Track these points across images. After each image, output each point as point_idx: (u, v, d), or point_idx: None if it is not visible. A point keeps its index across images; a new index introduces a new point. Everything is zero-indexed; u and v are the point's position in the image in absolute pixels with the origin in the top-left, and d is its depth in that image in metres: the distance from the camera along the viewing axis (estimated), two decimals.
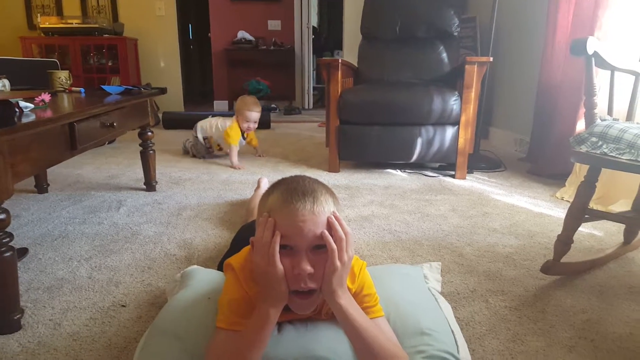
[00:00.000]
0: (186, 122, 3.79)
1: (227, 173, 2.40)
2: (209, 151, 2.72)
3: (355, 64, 2.83)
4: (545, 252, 1.38)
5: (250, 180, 2.24)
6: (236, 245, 1.13)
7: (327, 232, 0.67)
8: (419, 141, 2.28)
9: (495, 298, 1.11)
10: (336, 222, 0.68)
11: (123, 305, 1.07)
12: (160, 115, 4.00)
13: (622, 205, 1.69)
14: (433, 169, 2.47)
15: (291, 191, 0.69)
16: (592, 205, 1.67)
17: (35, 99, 1.28)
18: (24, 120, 1.00)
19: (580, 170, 1.96)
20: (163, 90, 2.02)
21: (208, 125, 2.68)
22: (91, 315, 1.03)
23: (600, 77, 1.75)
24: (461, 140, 2.26)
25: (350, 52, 4.16)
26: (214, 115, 2.83)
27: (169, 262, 1.31)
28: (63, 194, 1.99)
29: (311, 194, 0.68)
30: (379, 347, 0.69)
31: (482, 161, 2.52)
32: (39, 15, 4.48)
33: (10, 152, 0.94)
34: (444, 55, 2.70)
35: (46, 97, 1.30)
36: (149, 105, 1.93)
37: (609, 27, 1.88)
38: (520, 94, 2.94)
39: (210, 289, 0.91)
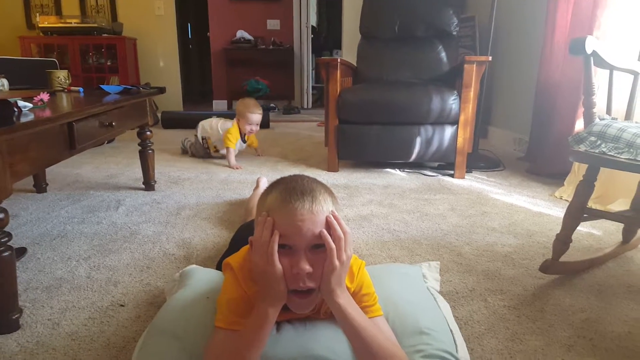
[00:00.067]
0: (185, 122, 3.79)
1: (226, 173, 2.40)
2: (206, 152, 2.72)
3: (354, 64, 2.83)
4: (544, 252, 1.38)
5: (249, 179, 2.24)
6: (235, 244, 1.13)
7: (325, 232, 0.67)
8: (418, 140, 2.28)
9: (494, 297, 1.11)
10: (335, 222, 0.68)
11: (122, 305, 1.07)
12: (159, 115, 4.00)
13: (621, 205, 1.69)
14: (432, 169, 2.48)
15: (290, 190, 0.69)
16: (591, 204, 1.67)
17: (34, 98, 1.28)
18: (23, 119, 1.00)
19: (579, 170, 1.96)
20: (162, 90, 2.02)
21: (209, 126, 2.67)
22: (90, 315, 1.03)
23: (599, 77, 1.76)
24: (460, 140, 2.26)
25: (349, 52, 4.16)
26: (218, 116, 2.82)
27: (168, 261, 1.31)
28: (62, 193, 1.99)
29: (310, 194, 0.68)
30: (377, 347, 0.69)
31: (481, 160, 2.52)
32: (37, 14, 4.47)
33: (8, 152, 0.94)
34: (443, 54, 2.70)
35: (45, 96, 1.30)
36: (148, 105, 1.93)
37: (607, 27, 1.88)
38: (519, 93, 2.95)
39: (209, 289, 0.91)
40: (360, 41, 2.91)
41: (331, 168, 2.41)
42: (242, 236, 1.14)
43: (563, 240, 1.18)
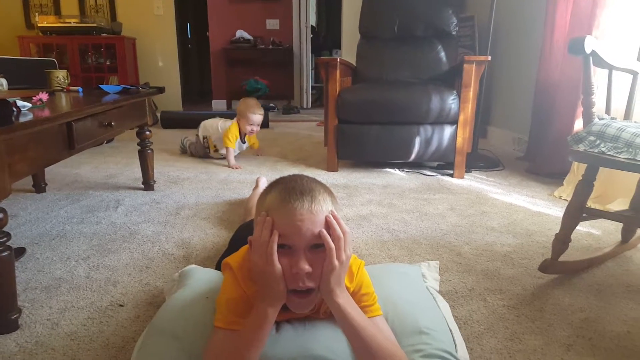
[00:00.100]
0: (184, 122, 3.79)
1: (225, 172, 2.39)
2: (206, 151, 2.71)
3: (354, 63, 2.83)
4: (543, 251, 1.38)
5: (248, 179, 2.24)
6: (234, 244, 1.13)
7: (325, 231, 0.67)
8: (418, 140, 2.28)
9: (493, 297, 1.11)
10: (334, 221, 0.68)
11: (121, 305, 1.07)
12: (158, 115, 3.99)
13: (620, 204, 1.70)
14: (431, 168, 2.48)
15: (289, 190, 0.69)
16: (590, 204, 1.67)
17: (33, 98, 1.27)
18: (22, 119, 1.00)
19: (578, 169, 1.96)
20: (161, 90, 2.02)
21: (210, 125, 2.67)
22: (89, 315, 1.03)
23: (598, 76, 1.76)
24: (459, 139, 2.26)
25: (348, 51, 4.16)
26: (221, 116, 2.80)
27: (167, 261, 1.31)
28: (61, 193, 1.99)
29: (309, 193, 0.68)
30: (377, 346, 0.69)
31: (480, 160, 2.52)
32: (36, 14, 4.47)
33: (7, 152, 0.94)
34: (442, 54, 2.70)
35: (44, 96, 1.30)
36: (147, 105, 1.93)
37: (606, 26, 1.88)
38: (519, 93, 2.95)
39: (209, 289, 0.91)
40: (360, 41, 2.91)
41: (330, 168, 2.41)
42: (241, 236, 1.14)
43: (562, 239, 1.18)
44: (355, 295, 0.76)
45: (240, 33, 5.21)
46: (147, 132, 1.95)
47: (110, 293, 1.13)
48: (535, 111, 2.52)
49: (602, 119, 1.17)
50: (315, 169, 2.47)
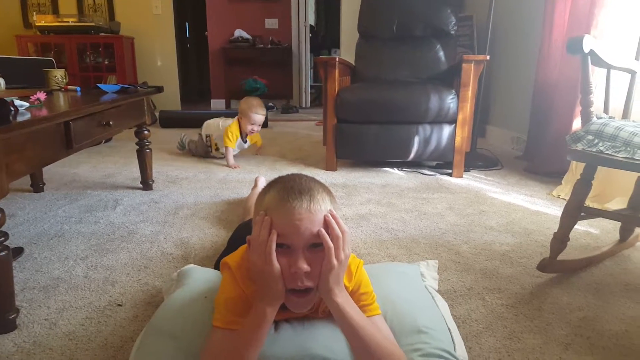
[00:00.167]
0: (183, 121, 3.79)
1: (224, 172, 2.39)
2: (207, 150, 2.70)
3: (353, 63, 2.83)
4: (541, 250, 1.38)
5: (247, 179, 2.23)
6: (233, 244, 1.13)
7: (323, 231, 0.67)
8: (416, 140, 2.28)
9: (491, 296, 1.11)
10: (333, 221, 0.68)
11: (119, 305, 1.07)
12: (157, 114, 3.99)
13: (618, 203, 1.70)
14: (430, 168, 2.48)
15: (288, 190, 0.68)
16: (588, 203, 1.67)
17: (31, 97, 1.27)
18: (19, 119, 0.99)
19: (576, 169, 1.96)
20: (159, 89, 2.01)
21: (212, 124, 2.65)
22: (87, 315, 1.02)
23: (597, 76, 1.76)
24: (458, 139, 2.26)
25: (347, 51, 4.16)
26: (226, 116, 2.77)
27: (166, 261, 1.31)
28: (59, 193, 1.99)
29: (308, 193, 0.68)
30: (375, 346, 0.69)
31: (479, 159, 2.52)
32: (34, 13, 4.46)
33: (5, 151, 0.93)
34: (441, 53, 2.70)
35: (42, 95, 1.29)
36: (146, 104, 1.93)
37: (605, 26, 1.88)
38: (517, 92, 2.95)
39: (207, 288, 0.91)
40: (359, 40, 2.91)
41: (329, 167, 2.41)
42: (240, 235, 1.14)
43: (560, 238, 1.18)
44: (354, 294, 0.76)
45: (239, 32, 5.20)
46: (146, 132, 1.95)
47: (108, 293, 1.13)
48: (534, 110, 2.52)
49: (601, 118, 1.17)
50: (314, 169, 2.47)
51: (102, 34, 4.36)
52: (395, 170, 2.42)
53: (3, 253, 0.93)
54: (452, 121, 2.26)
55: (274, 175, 0.76)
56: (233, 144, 2.53)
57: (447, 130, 2.27)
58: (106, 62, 4.43)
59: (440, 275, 1.20)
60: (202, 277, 0.99)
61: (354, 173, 2.37)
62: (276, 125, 4.17)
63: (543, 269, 1.19)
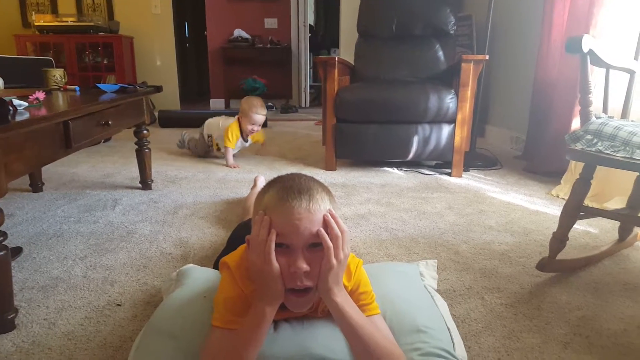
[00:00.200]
0: (182, 121, 3.78)
1: (223, 172, 2.39)
2: (208, 150, 2.68)
3: (352, 62, 2.83)
4: (540, 250, 1.38)
5: (246, 178, 2.23)
6: (232, 243, 1.13)
7: (323, 230, 0.67)
8: (416, 139, 2.28)
9: (491, 295, 1.11)
10: (332, 220, 0.68)
11: (118, 304, 1.07)
12: (156, 114, 3.98)
13: (617, 203, 1.70)
14: (429, 167, 2.48)
15: (287, 189, 0.68)
16: (587, 202, 1.68)
17: (30, 97, 1.27)
18: (18, 118, 0.99)
19: (575, 168, 1.96)
20: (159, 89, 2.01)
21: (213, 123, 2.63)
22: (86, 315, 1.02)
23: (596, 75, 1.76)
24: (457, 138, 2.27)
25: (346, 50, 4.16)
26: (227, 115, 2.75)
27: (165, 260, 1.31)
28: (58, 192, 1.98)
29: (307, 192, 0.68)
30: (375, 345, 0.69)
31: (478, 159, 2.53)
32: (33, 13, 4.45)
33: (3, 151, 0.93)
34: (440, 53, 2.70)
35: (40, 95, 1.29)
36: (145, 104, 1.92)
37: (604, 25, 1.88)
38: (516, 91, 2.95)
39: (206, 288, 0.91)
40: (358, 40, 2.90)
41: (329, 167, 2.41)
42: (239, 235, 1.14)
43: (560, 238, 1.18)
44: (353, 293, 0.76)
45: (238, 32, 5.20)
46: (145, 132, 1.95)
47: (107, 292, 1.12)
48: (533, 110, 2.53)
49: (600, 117, 1.17)
50: (313, 168, 2.46)
51: (101, 33, 4.36)
52: (395, 170, 2.42)
53: (2, 253, 0.93)
54: (452, 121, 2.26)
55: (273, 174, 0.76)
56: (233, 144, 2.52)
57: (446, 129, 2.27)
58: (105, 62, 4.43)
59: (439, 274, 1.20)
60: (201, 276, 0.98)
61: (353, 173, 2.37)
62: (275, 125, 4.17)
63: (542, 269, 1.19)
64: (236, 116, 2.58)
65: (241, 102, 2.56)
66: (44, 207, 1.77)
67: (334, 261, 0.67)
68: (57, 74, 1.85)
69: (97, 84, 1.94)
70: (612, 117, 1.20)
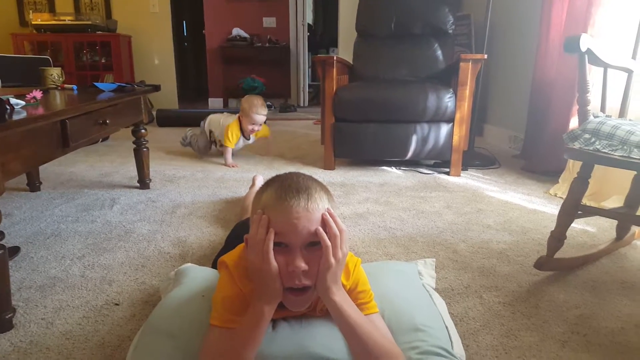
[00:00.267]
0: (180, 120, 3.78)
1: (221, 171, 2.39)
2: (209, 145, 2.64)
3: (351, 62, 2.83)
4: (538, 248, 1.39)
5: (245, 178, 2.23)
6: (230, 243, 1.13)
7: (321, 229, 0.67)
8: (414, 138, 2.28)
9: (489, 294, 1.11)
10: (330, 219, 0.68)
11: (116, 304, 1.06)
12: (154, 113, 3.98)
13: (615, 202, 1.71)
14: (428, 166, 2.48)
15: (285, 188, 0.68)
16: (585, 201, 1.68)
17: (27, 96, 1.26)
18: (15, 117, 0.99)
19: (573, 167, 1.97)
20: (157, 88, 2.01)
21: (214, 120, 2.61)
22: (84, 314, 1.02)
23: (594, 74, 1.76)
24: (456, 138, 2.27)
25: (345, 50, 4.16)
26: (230, 113, 2.74)
27: (163, 260, 1.31)
28: (55, 192, 1.98)
29: (305, 191, 0.68)
30: (373, 344, 0.69)
31: (476, 158, 2.53)
32: (30, 11, 4.43)
33: (1, 150, 0.93)
34: (439, 52, 2.70)
35: (38, 94, 1.29)
36: (143, 103, 1.92)
37: (602, 24, 1.89)
38: (515, 91, 2.96)
39: (205, 287, 0.91)
40: (357, 39, 2.90)
41: (327, 166, 2.41)
42: (237, 234, 1.14)
43: (557, 237, 1.19)
44: (352, 292, 0.76)
45: (237, 31, 5.19)
46: (143, 131, 1.94)
47: (105, 292, 1.12)
48: (531, 109, 2.53)
49: (597, 116, 1.17)
50: (312, 167, 2.46)
51: (99, 32, 4.34)
52: (393, 169, 2.42)
53: None
54: (450, 120, 2.26)
55: (271, 174, 0.76)
56: (232, 144, 2.51)
57: (444, 129, 2.27)
58: (103, 61, 4.41)
59: (437, 273, 1.20)
60: (199, 275, 0.98)
61: (352, 172, 2.37)
62: (274, 124, 4.16)
63: (540, 267, 1.20)
64: (237, 115, 2.56)
65: (241, 101, 2.54)
66: (41, 207, 1.77)
67: (333, 260, 0.67)
68: (55, 73, 1.84)
69: (95, 83, 1.93)
70: (610, 116, 1.20)
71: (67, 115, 1.22)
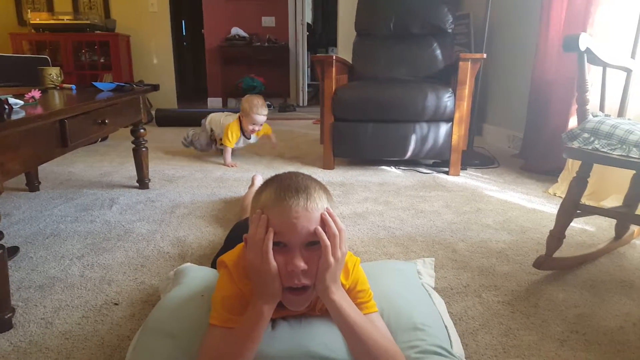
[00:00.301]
0: (179, 120, 3.78)
1: (220, 170, 2.39)
2: (211, 142, 2.64)
3: (350, 61, 2.83)
4: (537, 248, 1.39)
5: (244, 177, 2.23)
6: (230, 242, 1.13)
7: (320, 229, 0.67)
8: (413, 138, 2.29)
9: (488, 293, 1.12)
10: (330, 219, 0.68)
11: (116, 304, 1.06)
12: (153, 113, 3.97)
13: (614, 201, 1.71)
14: (427, 166, 2.48)
15: (284, 188, 0.68)
16: (584, 200, 1.69)
17: (26, 95, 1.26)
18: (14, 117, 0.99)
19: (572, 166, 1.97)
20: (155, 87, 2.00)
21: (215, 118, 2.60)
22: (83, 314, 1.02)
23: (593, 74, 1.76)
24: (455, 137, 2.27)
25: (344, 49, 4.15)
26: (231, 112, 2.73)
27: (162, 259, 1.31)
28: (55, 192, 1.98)
29: (304, 191, 0.68)
30: (373, 343, 0.69)
31: (475, 158, 2.53)
32: (29, 11, 4.42)
33: None
34: (438, 52, 2.70)
35: (36, 93, 1.28)
36: (142, 102, 1.92)
37: (601, 24, 1.89)
38: (514, 90, 2.96)
39: (204, 287, 0.91)
40: (356, 38, 2.90)
41: (327, 166, 2.41)
42: (237, 234, 1.13)
43: (556, 236, 1.19)
44: (351, 292, 0.76)
45: (236, 30, 5.19)
46: (142, 130, 1.94)
47: (104, 292, 1.12)
48: (530, 109, 2.53)
49: (596, 116, 1.17)
50: (311, 167, 2.46)
51: (98, 31, 4.34)
52: (393, 169, 2.42)
53: None
54: (449, 119, 2.26)
55: (271, 173, 0.76)
56: (232, 144, 2.50)
57: (444, 128, 2.27)
58: (102, 60, 4.40)
59: (436, 272, 1.20)
60: (198, 275, 0.98)
61: (351, 171, 2.37)
62: (273, 123, 4.14)
63: (539, 267, 1.20)
64: (237, 114, 2.56)
65: (242, 101, 2.52)
66: (40, 207, 1.77)
67: (332, 259, 0.67)
68: (53, 73, 1.84)
69: (94, 83, 1.93)
70: (609, 116, 1.21)
71: (65, 115, 1.22)
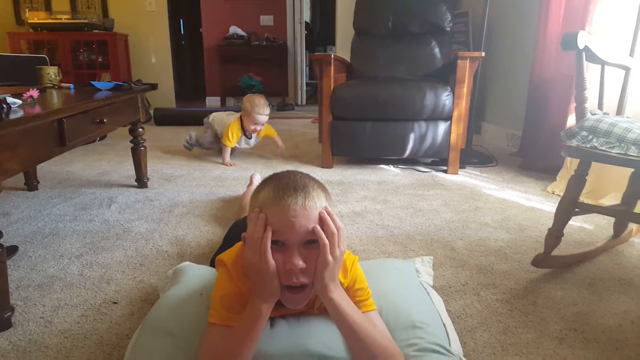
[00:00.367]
0: (178, 119, 3.77)
1: (219, 169, 2.39)
2: (217, 141, 2.63)
3: (348, 60, 2.83)
4: (536, 246, 1.39)
5: (242, 176, 2.23)
6: (228, 241, 1.13)
7: (318, 227, 0.67)
8: (412, 137, 2.29)
9: (486, 291, 1.12)
10: (328, 217, 0.68)
11: (115, 302, 1.06)
12: (151, 112, 3.97)
13: (612, 199, 1.71)
14: (426, 165, 2.48)
15: (283, 187, 0.68)
16: (583, 199, 1.69)
17: (24, 95, 1.26)
18: (12, 116, 0.98)
19: (571, 165, 1.97)
20: (154, 86, 2.00)
21: (217, 117, 2.60)
22: (82, 313, 1.02)
23: (591, 72, 1.77)
24: (453, 136, 2.27)
25: (343, 48, 4.15)
26: (233, 111, 2.72)
27: (161, 258, 1.31)
28: (53, 191, 1.97)
29: (303, 189, 0.68)
30: (371, 341, 0.69)
31: (474, 156, 2.53)
32: (27, 10, 4.41)
33: None
34: (437, 50, 2.70)
35: (34, 93, 1.28)
36: (140, 102, 1.92)
37: (599, 22, 1.89)
38: (512, 88, 2.96)
39: (203, 285, 0.91)
40: (354, 37, 2.90)
41: (325, 164, 2.41)
42: (235, 233, 1.13)
43: (555, 234, 1.19)
44: (350, 290, 0.76)
45: (234, 29, 5.18)
46: (140, 129, 1.94)
47: (103, 290, 1.12)
48: (529, 107, 2.53)
49: (595, 114, 1.17)
50: (309, 166, 2.46)
51: (96, 31, 4.32)
52: (391, 168, 2.42)
53: None
54: (448, 118, 2.26)
55: (269, 172, 0.76)
56: (232, 144, 2.50)
57: (442, 127, 2.27)
58: (100, 60, 4.39)
59: (435, 271, 1.20)
60: (197, 274, 0.98)
61: (350, 170, 2.37)
62: (272, 122, 4.13)
63: (537, 265, 1.20)
64: (239, 114, 2.55)
65: (243, 100, 2.50)
66: (39, 206, 1.77)
67: (330, 258, 0.67)
68: (52, 72, 1.83)
69: (92, 82, 1.92)
70: (608, 114, 1.21)
71: (64, 114, 1.22)
